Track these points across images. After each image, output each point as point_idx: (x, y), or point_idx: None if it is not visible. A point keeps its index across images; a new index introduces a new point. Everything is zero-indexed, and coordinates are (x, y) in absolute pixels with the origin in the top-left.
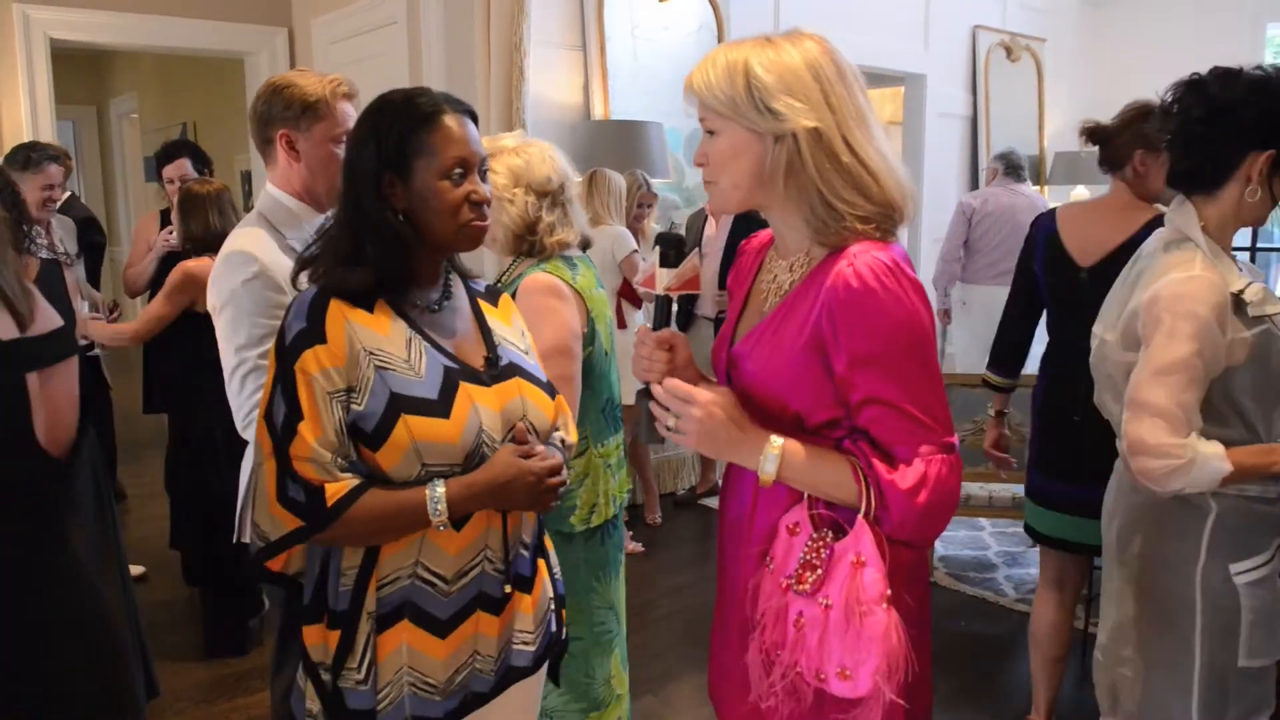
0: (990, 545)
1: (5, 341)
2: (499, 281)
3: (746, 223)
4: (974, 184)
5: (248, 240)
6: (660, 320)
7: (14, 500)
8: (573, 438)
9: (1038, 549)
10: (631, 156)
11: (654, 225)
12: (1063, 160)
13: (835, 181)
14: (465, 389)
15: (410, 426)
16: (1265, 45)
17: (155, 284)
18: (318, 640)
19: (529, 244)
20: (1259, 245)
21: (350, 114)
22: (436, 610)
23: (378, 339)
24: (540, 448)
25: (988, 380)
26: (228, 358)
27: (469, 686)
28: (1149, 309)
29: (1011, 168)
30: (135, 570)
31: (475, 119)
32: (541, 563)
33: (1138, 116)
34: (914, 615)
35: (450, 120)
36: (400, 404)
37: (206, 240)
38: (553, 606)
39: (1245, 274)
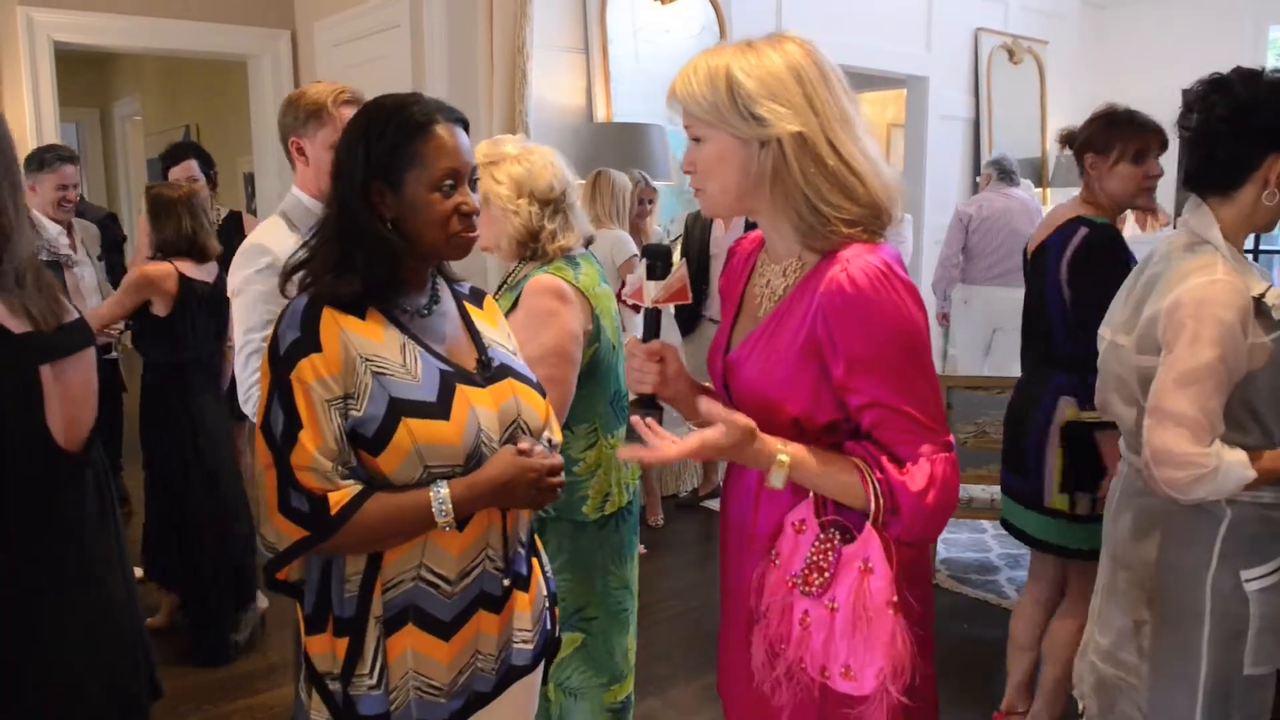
0: (992, 547)
1: (17, 335)
2: (503, 284)
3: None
4: (976, 187)
5: (264, 234)
6: (649, 332)
7: (26, 494)
8: (558, 437)
9: None
10: (633, 159)
11: (657, 226)
12: (1065, 162)
13: (821, 185)
14: (462, 391)
15: (412, 429)
16: (1267, 47)
17: None
18: (324, 650)
19: (532, 250)
20: (1261, 248)
21: None
22: (440, 612)
23: (372, 345)
24: (538, 447)
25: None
26: (238, 338)
27: (472, 686)
28: (1171, 315)
29: (1004, 172)
30: (136, 572)
31: (467, 126)
32: (535, 562)
33: (1095, 120)
34: (917, 616)
35: (442, 130)
36: (400, 408)
37: (179, 244)
38: (547, 605)
39: (1260, 277)
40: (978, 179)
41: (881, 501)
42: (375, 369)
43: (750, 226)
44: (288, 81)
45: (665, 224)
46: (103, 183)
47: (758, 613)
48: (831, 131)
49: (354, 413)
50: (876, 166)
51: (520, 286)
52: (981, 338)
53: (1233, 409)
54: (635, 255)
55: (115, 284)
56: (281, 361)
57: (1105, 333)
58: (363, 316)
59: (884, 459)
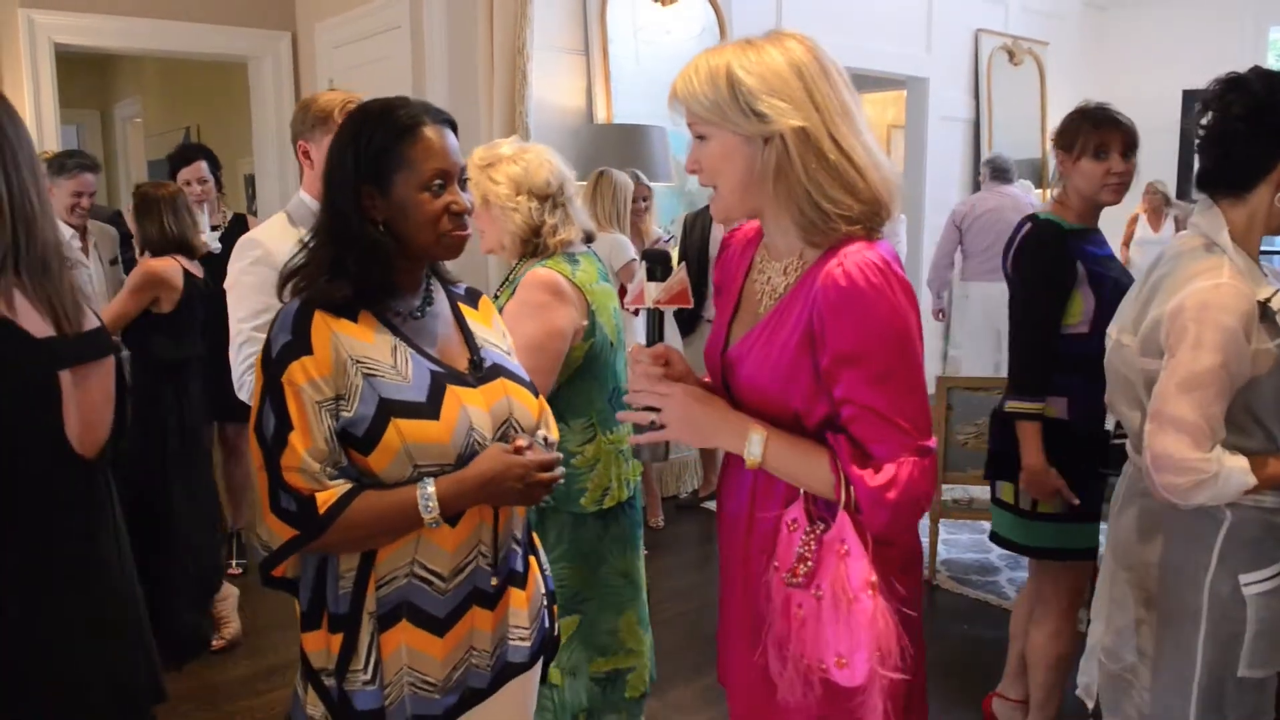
0: (993, 548)
1: (38, 339)
2: (505, 281)
3: None
4: (976, 188)
5: (261, 229)
6: (653, 335)
7: (39, 497)
8: (554, 434)
9: None
10: (634, 160)
11: (656, 227)
12: None
13: (822, 180)
14: (453, 391)
15: (401, 429)
16: (1268, 48)
17: None
18: (319, 646)
19: (534, 246)
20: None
21: None
22: (434, 608)
23: (363, 347)
24: (532, 443)
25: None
26: (232, 329)
27: (466, 682)
28: (1174, 319)
29: (998, 171)
30: None
31: (455, 128)
32: (533, 560)
33: (1066, 117)
34: (901, 597)
35: (430, 132)
36: (390, 408)
37: (162, 243)
38: (545, 603)
39: (1272, 280)
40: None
41: (851, 490)
42: (366, 370)
43: None
44: (288, 83)
45: (666, 224)
46: (104, 185)
47: (767, 618)
48: (833, 125)
49: (344, 413)
50: (876, 160)
51: (518, 281)
52: (988, 337)
53: (1235, 414)
54: (634, 259)
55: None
56: (273, 364)
57: (1112, 332)
58: (355, 319)
59: (846, 452)
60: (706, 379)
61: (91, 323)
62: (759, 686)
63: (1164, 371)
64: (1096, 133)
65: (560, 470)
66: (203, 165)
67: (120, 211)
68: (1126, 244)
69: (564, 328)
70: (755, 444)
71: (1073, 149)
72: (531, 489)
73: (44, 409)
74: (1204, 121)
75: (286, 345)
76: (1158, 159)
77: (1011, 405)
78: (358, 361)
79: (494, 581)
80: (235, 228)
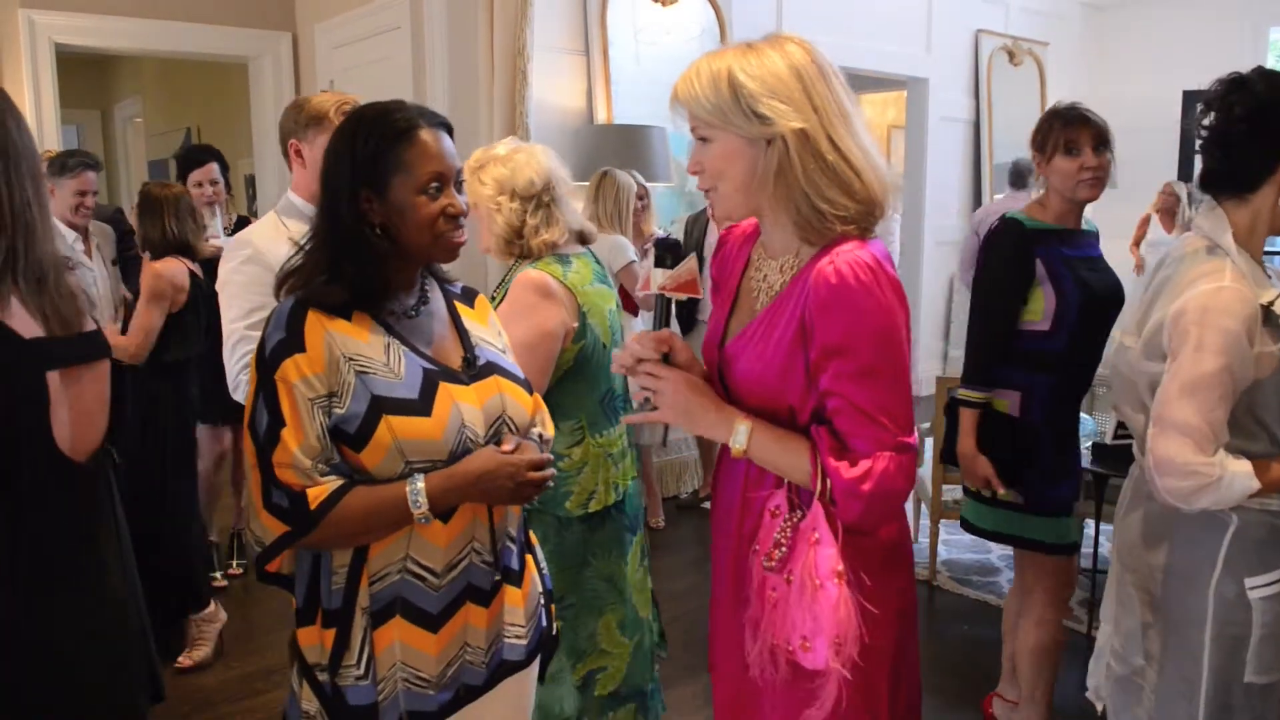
0: (993, 549)
1: (25, 339)
2: (500, 284)
3: None
4: (976, 188)
5: (252, 229)
6: (660, 320)
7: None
8: (549, 432)
9: None
10: (634, 161)
11: (656, 228)
12: None
13: (820, 181)
14: (445, 388)
15: (392, 426)
16: (1267, 49)
17: None
18: (313, 641)
19: (519, 247)
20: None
21: None
22: (427, 604)
23: (356, 345)
24: (525, 444)
25: None
26: (225, 328)
27: (461, 679)
28: (1176, 322)
29: (1015, 175)
30: None
31: (450, 131)
32: (529, 558)
33: (1040, 121)
34: (903, 598)
35: (426, 135)
36: (382, 405)
37: (163, 244)
38: (542, 601)
39: (1275, 282)
40: (986, 176)
41: (827, 481)
42: (358, 368)
43: None
44: (288, 83)
45: (666, 225)
46: (103, 185)
47: (744, 600)
48: (831, 127)
49: (337, 410)
50: (873, 161)
51: (509, 283)
52: None
53: (1239, 417)
54: (634, 260)
55: (129, 275)
56: (266, 362)
57: (1116, 334)
58: (349, 318)
59: (826, 444)
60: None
61: (88, 326)
62: (741, 669)
63: (1166, 375)
64: (1066, 130)
65: (551, 471)
66: (214, 167)
67: (120, 209)
68: (1136, 244)
69: (554, 329)
70: (740, 434)
71: (1045, 148)
72: (522, 488)
73: (31, 410)
74: (1206, 122)
75: (280, 343)
76: (1158, 159)
77: (960, 393)
78: (350, 359)
79: (497, 578)
80: (240, 230)
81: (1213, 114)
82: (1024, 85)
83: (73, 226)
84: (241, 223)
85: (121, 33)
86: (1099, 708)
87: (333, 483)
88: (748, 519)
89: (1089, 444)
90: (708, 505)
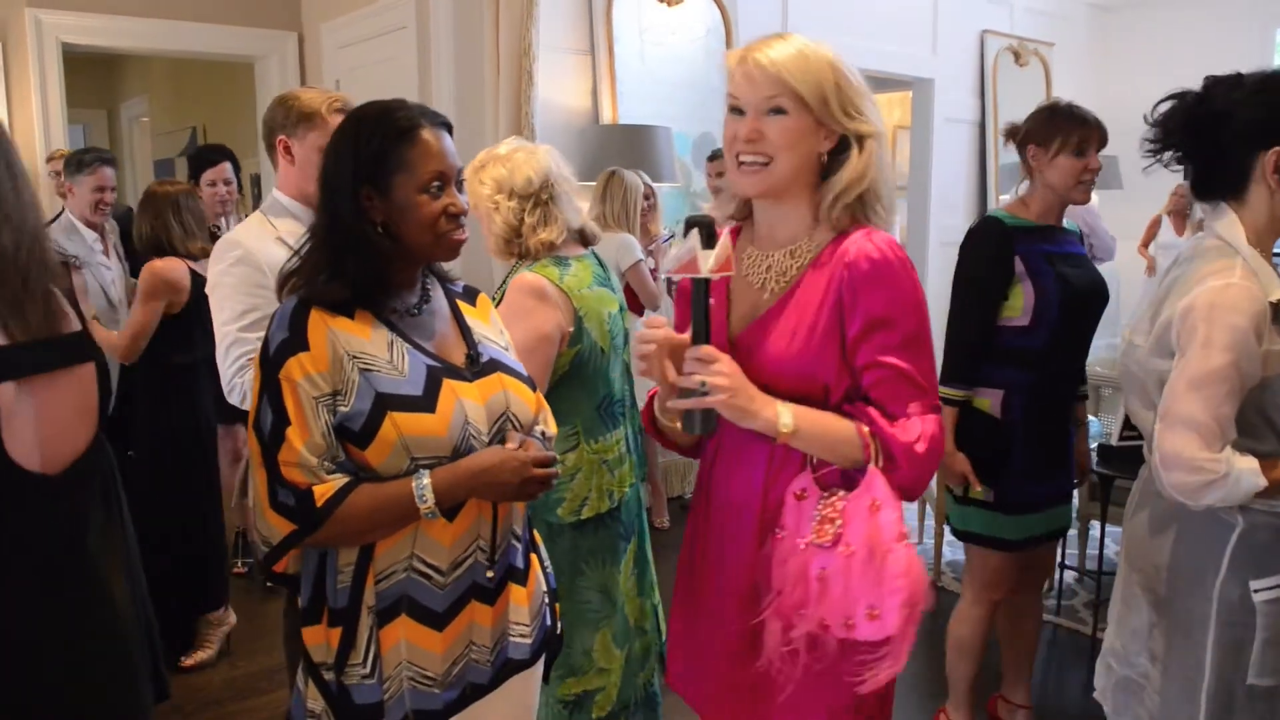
0: None
1: None
2: (500, 286)
3: None
4: (982, 189)
5: (240, 230)
6: (700, 309)
7: None
8: (552, 429)
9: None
10: (639, 160)
11: (662, 229)
12: None
13: (878, 181)
14: (449, 385)
15: (397, 423)
16: (1274, 50)
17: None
18: (319, 640)
19: (518, 247)
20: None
21: None
22: (433, 603)
23: (360, 343)
24: (530, 442)
25: None
26: (217, 331)
27: (467, 678)
28: (1184, 318)
29: None
30: None
31: (451, 130)
32: (534, 557)
33: (1037, 113)
34: None
35: (428, 134)
36: (386, 402)
37: (153, 242)
38: (547, 600)
39: None
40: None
41: (877, 449)
42: (362, 366)
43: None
44: (294, 83)
45: (671, 224)
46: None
47: (765, 589)
48: (884, 140)
49: (342, 409)
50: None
51: (506, 285)
52: None
53: (1247, 416)
54: (641, 260)
55: (135, 274)
56: (270, 362)
57: (1125, 332)
58: (351, 316)
59: (875, 413)
60: None
61: (68, 328)
62: (737, 667)
63: (1174, 371)
64: (1080, 129)
65: (556, 470)
66: (227, 167)
67: (130, 208)
68: (1145, 245)
69: (550, 332)
70: (786, 414)
71: (1050, 144)
72: (526, 484)
73: None
74: (1176, 139)
75: (284, 342)
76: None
77: (940, 390)
78: (354, 357)
79: (489, 575)
80: None
81: (1179, 130)
82: (1030, 86)
83: (91, 225)
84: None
85: (128, 32)
86: (1106, 709)
87: (339, 480)
88: (769, 508)
89: (1094, 445)
90: None
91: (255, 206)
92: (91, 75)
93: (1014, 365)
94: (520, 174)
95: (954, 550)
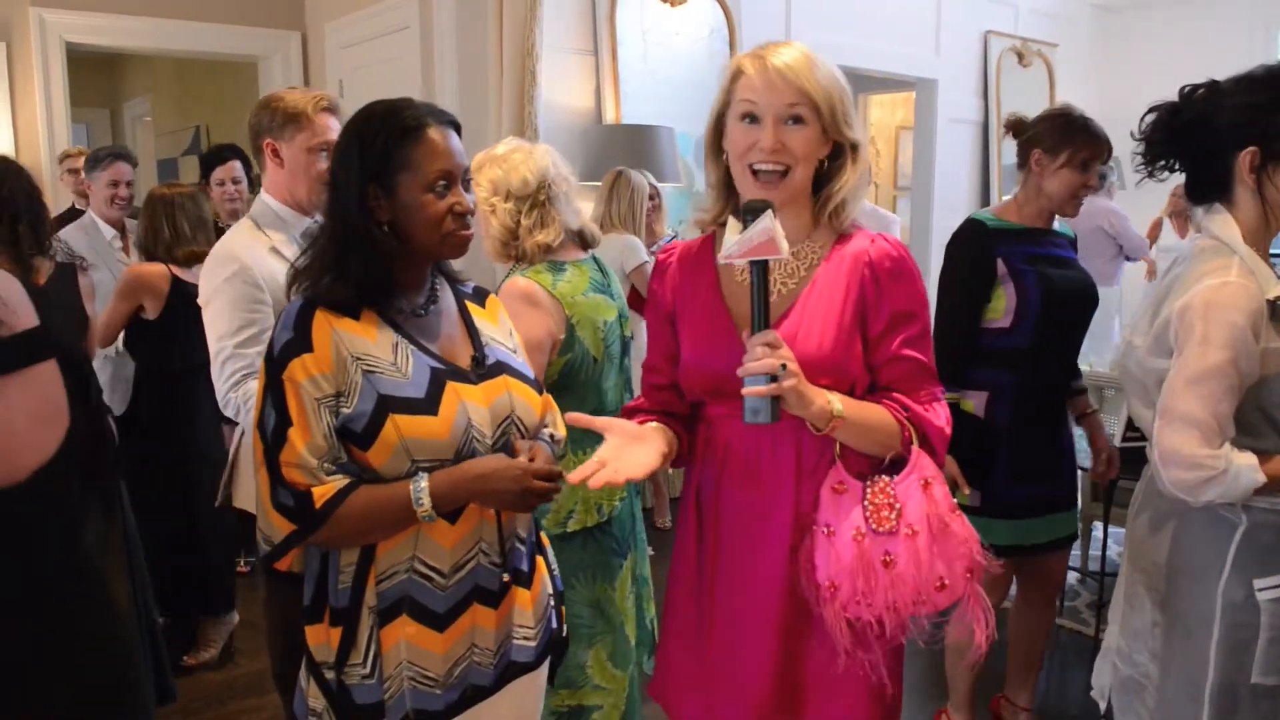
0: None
1: None
2: (497, 289)
3: None
4: (985, 190)
5: (232, 242)
6: (761, 291)
7: None
8: (562, 432)
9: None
10: (642, 161)
11: (667, 229)
12: None
13: (859, 185)
14: (452, 387)
15: (399, 425)
16: (1275, 50)
17: None
18: (320, 639)
19: (515, 249)
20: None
21: (332, 126)
22: (434, 604)
23: (364, 344)
24: (539, 448)
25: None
26: (212, 344)
27: (468, 679)
28: (1182, 316)
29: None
30: None
31: (459, 129)
32: (540, 559)
33: (1050, 118)
34: None
35: (434, 133)
36: (388, 404)
37: (145, 245)
38: (552, 603)
39: None
40: (994, 177)
41: (915, 432)
42: (365, 367)
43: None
44: (298, 83)
45: (674, 226)
46: None
47: (823, 591)
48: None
49: (344, 410)
50: None
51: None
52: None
53: (1246, 414)
54: (646, 261)
55: None
56: (274, 362)
57: (1125, 333)
58: (357, 317)
59: (905, 399)
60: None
61: (21, 324)
62: (771, 677)
63: (1173, 369)
64: (1091, 145)
65: (558, 485)
66: (236, 165)
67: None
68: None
69: (540, 338)
70: (836, 401)
71: (1058, 154)
72: (525, 494)
73: None
74: (1160, 149)
75: (288, 343)
76: None
77: None
78: (358, 358)
79: (505, 579)
80: None
81: (1161, 140)
82: (1033, 87)
83: (110, 222)
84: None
85: (131, 31)
86: (1102, 706)
87: (339, 482)
88: (803, 510)
89: None
90: None
91: None
92: (94, 74)
93: (997, 366)
94: (517, 175)
95: None
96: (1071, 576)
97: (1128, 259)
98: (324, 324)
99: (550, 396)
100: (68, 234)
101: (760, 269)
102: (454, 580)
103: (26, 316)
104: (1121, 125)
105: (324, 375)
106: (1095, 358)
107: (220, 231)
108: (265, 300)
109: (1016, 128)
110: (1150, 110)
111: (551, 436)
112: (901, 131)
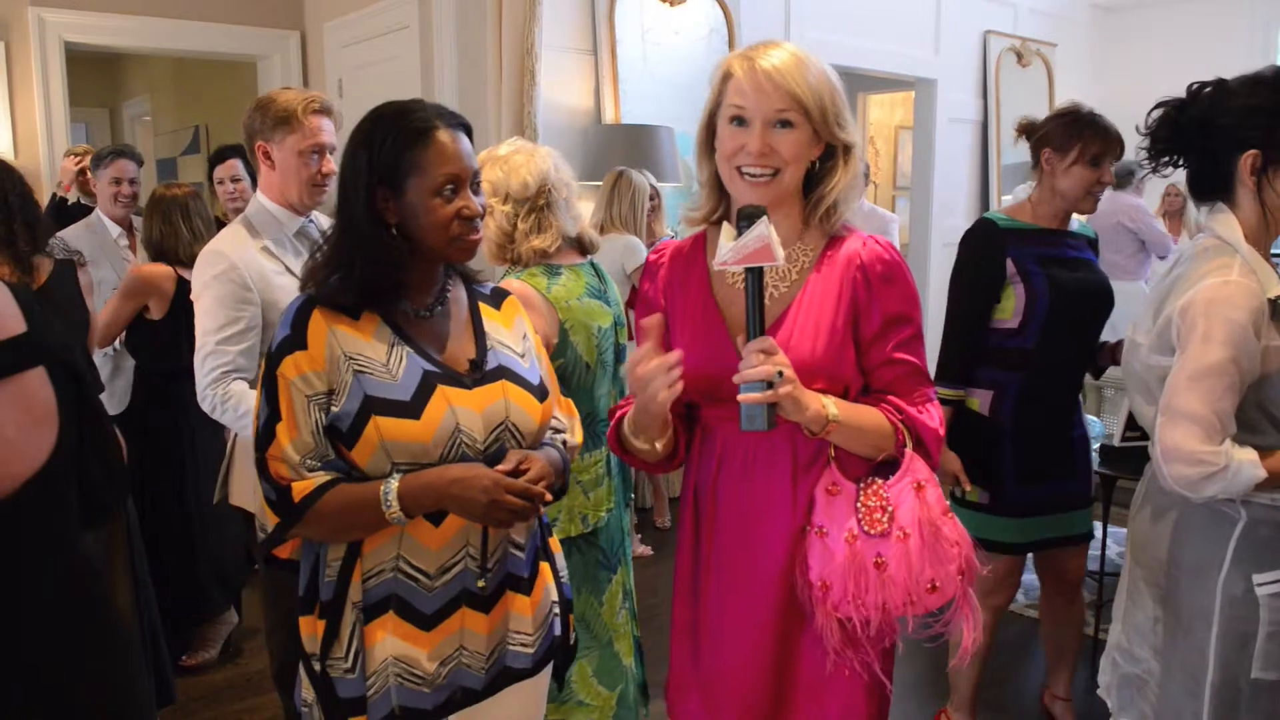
0: None
1: None
2: None
3: None
4: (984, 190)
5: (224, 240)
6: (756, 297)
7: None
8: (576, 439)
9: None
10: (642, 161)
11: (667, 230)
12: None
13: (855, 185)
14: (442, 391)
15: (380, 427)
16: (1276, 52)
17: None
18: (309, 630)
19: (510, 252)
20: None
21: (323, 127)
22: (421, 604)
23: (359, 344)
24: (532, 456)
25: None
26: (198, 339)
27: (457, 681)
28: (1184, 314)
29: (1121, 176)
30: None
31: (469, 132)
32: (545, 566)
33: (1059, 116)
34: None
35: (443, 136)
36: (372, 405)
37: (158, 248)
38: (557, 610)
39: None
40: (993, 177)
41: (909, 435)
42: (357, 367)
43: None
44: (297, 82)
45: (674, 225)
46: None
47: (815, 590)
48: (859, 148)
49: (334, 408)
50: None
51: None
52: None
53: (1247, 412)
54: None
55: None
56: (272, 358)
57: (1129, 331)
58: (356, 317)
59: (899, 402)
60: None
61: (9, 330)
62: (773, 675)
63: (1175, 366)
64: (1100, 141)
65: (538, 508)
66: (237, 164)
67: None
68: None
69: None
70: (832, 405)
71: (1068, 151)
72: (493, 507)
73: None
74: (1164, 146)
75: (284, 340)
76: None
77: (936, 390)
78: (350, 358)
79: (480, 584)
80: None
81: (1150, 139)
82: (1032, 86)
83: (115, 220)
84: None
85: (130, 31)
86: (1109, 704)
87: (319, 479)
88: (799, 510)
89: (1096, 446)
90: None
91: None
92: (94, 74)
93: (1003, 366)
94: (517, 178)
95: None
96: None
97: (1160, 258)
98: (320, 323)
99: (572, 401)
100: (73, 232)
101: (755, 275)
102: (440, 582)
103: (13, 322)
104: (1122, 124)
105: (316, 373)
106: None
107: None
108: (252, 300)
109: (1027, 130)
110: (1157, 105)
111: (564, 443)
112: (901, 131)
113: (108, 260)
